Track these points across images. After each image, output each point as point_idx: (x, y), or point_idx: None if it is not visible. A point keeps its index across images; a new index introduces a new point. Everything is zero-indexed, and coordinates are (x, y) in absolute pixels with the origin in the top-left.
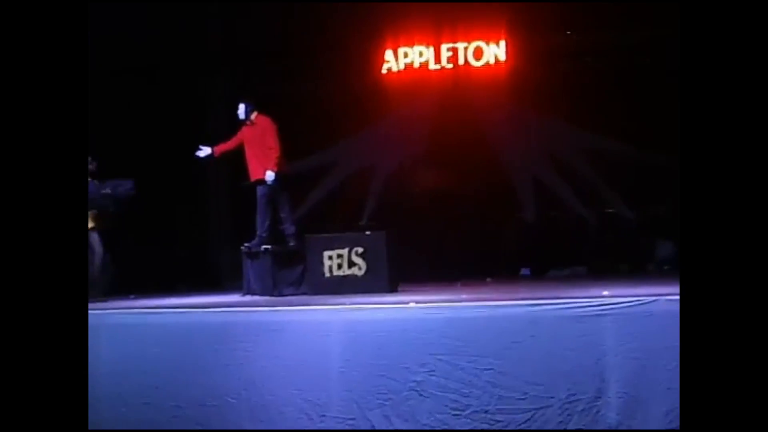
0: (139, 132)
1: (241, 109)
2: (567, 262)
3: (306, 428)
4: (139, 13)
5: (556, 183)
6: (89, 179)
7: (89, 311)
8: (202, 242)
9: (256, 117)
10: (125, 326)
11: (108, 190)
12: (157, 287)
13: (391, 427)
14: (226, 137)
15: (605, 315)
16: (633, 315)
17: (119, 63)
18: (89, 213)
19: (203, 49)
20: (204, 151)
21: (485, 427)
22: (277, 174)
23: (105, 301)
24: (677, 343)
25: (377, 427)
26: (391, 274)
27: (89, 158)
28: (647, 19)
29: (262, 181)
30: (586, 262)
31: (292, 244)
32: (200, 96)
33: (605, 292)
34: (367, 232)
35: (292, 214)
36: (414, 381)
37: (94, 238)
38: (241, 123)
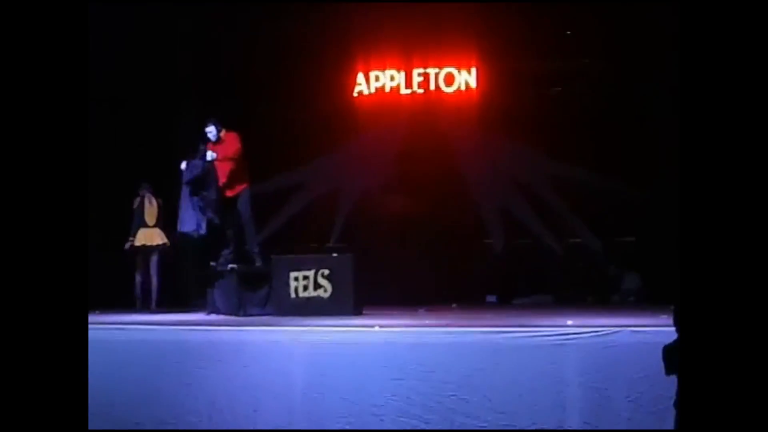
0: (106, 155)
1: (213, 130)
2: (533, 291)
3: None
4: (108, 37)
5: (524, 211)
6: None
7: None
8: (168, 260)
9: (224, 134)
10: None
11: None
12: (122, 303)
13: None
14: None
15: (569, 344)
16: (596, 345)
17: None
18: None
19: (173, 72)
20: (210, 155)
21: None
22: (242, 192)
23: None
24: (639, 375)
25: None
26: (357, 297)
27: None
28: (619, 48)
29: (230, 199)
30: (552, 291)
31: (258, 264)
32: (169, 117)
33: (569, 322)
34: (334, 255)
35: (257, 234)
36: (375, 405)
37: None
38: (205, 142)
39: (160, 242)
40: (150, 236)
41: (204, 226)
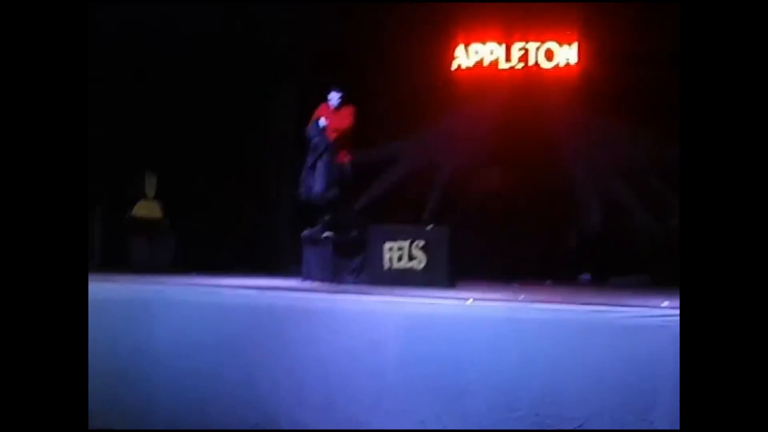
0: (211, 125)
1: (337, 96)
2: (628, 270)
3: (356, 416)
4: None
5: (622, 189)
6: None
7: (148, 285)
8: (264, 225)
9: (343, 106)
10: (183, 303)
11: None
12: (218, 266)
13: (441, 427)
14: (291, 129)
15: (664, 326)
16: None
17: (188, 65)
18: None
19: (272, 48)
20: (322, 121)
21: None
22: (345, 164)
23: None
24: None
25: (428, 425)
26: (451, 270)
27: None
28: None
29: None
30: (648, 271)
31: (354, 233)
32: (268, 90)
33: (665, 303)
34: (430, 226)
35: (354, 204)
36: (467, 380)
37: None
38: (318, 105)
39: (158, 216)
40: (150, 208)
41: (332, 191)
